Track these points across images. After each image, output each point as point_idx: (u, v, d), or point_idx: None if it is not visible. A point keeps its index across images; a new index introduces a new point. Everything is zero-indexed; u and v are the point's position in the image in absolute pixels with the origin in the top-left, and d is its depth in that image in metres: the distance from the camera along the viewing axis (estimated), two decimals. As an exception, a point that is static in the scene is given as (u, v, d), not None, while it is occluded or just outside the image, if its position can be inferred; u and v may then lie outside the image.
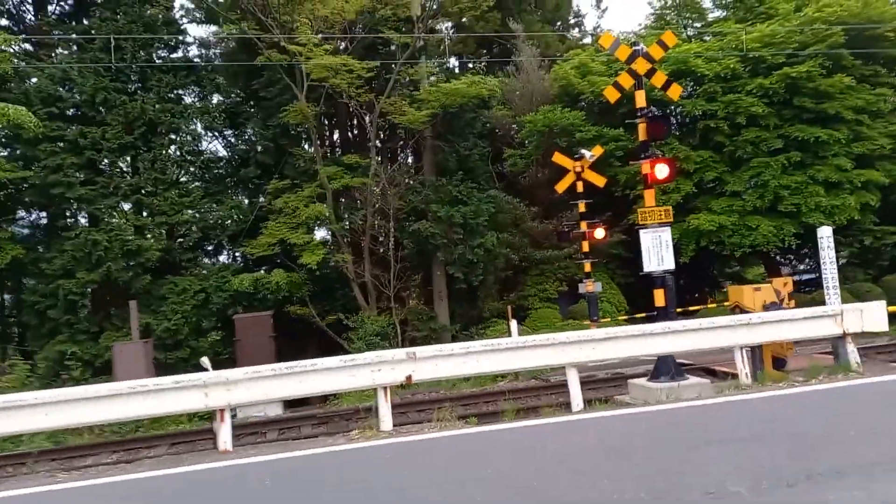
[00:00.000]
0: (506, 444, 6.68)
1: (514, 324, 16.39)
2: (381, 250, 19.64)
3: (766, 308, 10.35)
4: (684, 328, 9.18)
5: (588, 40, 26.58)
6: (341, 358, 8.13)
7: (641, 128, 10.35)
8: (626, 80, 10.60)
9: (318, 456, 6.77)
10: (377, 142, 20.61)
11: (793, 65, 17.97)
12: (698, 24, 22.04)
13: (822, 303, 16.83)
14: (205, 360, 8.27)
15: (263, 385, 7.76)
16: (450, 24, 22.54)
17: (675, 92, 10.91)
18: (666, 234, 10.36)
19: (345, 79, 17.28)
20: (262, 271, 20.15)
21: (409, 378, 8.09)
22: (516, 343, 8.71)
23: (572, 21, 28.75)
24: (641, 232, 10.42)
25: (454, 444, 6.88)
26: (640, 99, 10.48)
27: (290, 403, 13.61)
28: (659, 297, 10.36)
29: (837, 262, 21.35)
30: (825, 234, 10.17)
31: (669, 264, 10.30)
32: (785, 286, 11.13)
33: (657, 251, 10.35)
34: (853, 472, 4.54)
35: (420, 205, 18.62)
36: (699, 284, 26.01)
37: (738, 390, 8.85)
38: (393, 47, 18.57)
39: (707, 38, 20.94)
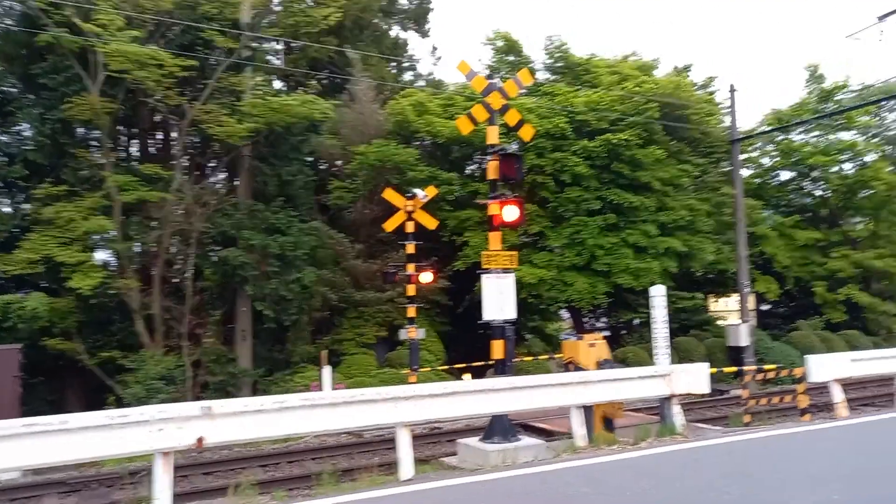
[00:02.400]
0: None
1: (326, 371, 14.80)
2: (177, 279, 16.92)
3: (599, 365, 10.01)
4: (526, 384, 8.37)
5: (422, 83, 26.34)
6: (107, 413, 6.01)
7: (492, 165, 9.67)
8: (480, 113, 10.02)
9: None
10: (185, 155, 18.01)
11: (614, 132, 19.01)
12: (529, 84, 22.73)
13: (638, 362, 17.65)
14: None
15: (-20, 451, 5.44)
16: (281, 42, 20.88)
17: (526, 133, 10.51)
18: (509, 282, 9.64)
19: (153, 74, 14.75)
20: (19, 294, 16.30)
21: (200, 441, 6.21)
22: (342, 398, 7.19)
23: (407, 64, 28.48)
24: (484, 277, 9.59)
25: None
26: (493, 135, 9.86)
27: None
28: (497, 349, 9.57)
29: (636, 322, 23.03)
30: (658, 292, 10.17)
31: (511, 314, 9.58)
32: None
33: (498, 299, 9.61)
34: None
35: (230, 230, 16.33)
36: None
37: (574, 453, 8.38)
38: (215, 51, 16.39)
39: (536, 98, 21.57)
